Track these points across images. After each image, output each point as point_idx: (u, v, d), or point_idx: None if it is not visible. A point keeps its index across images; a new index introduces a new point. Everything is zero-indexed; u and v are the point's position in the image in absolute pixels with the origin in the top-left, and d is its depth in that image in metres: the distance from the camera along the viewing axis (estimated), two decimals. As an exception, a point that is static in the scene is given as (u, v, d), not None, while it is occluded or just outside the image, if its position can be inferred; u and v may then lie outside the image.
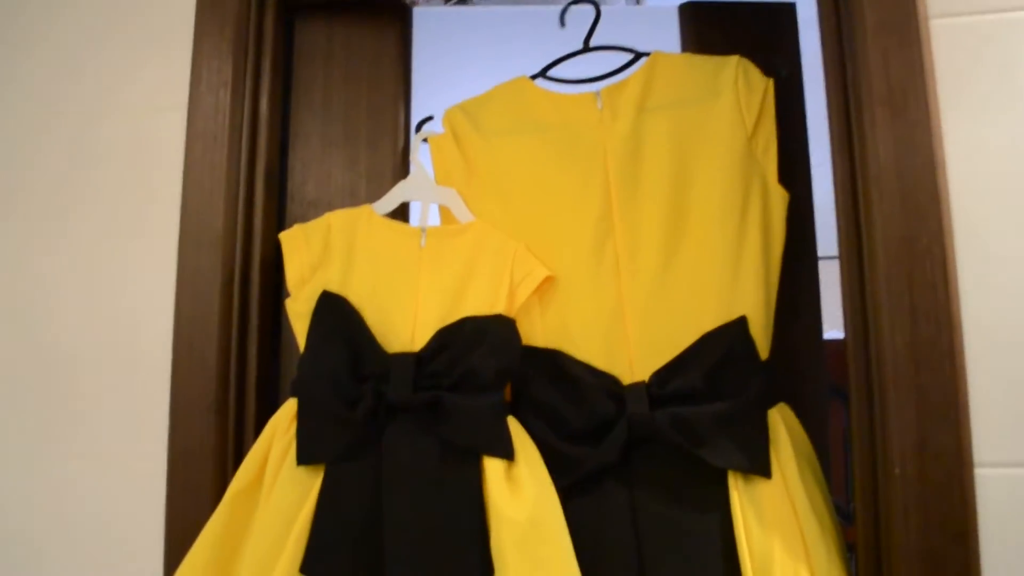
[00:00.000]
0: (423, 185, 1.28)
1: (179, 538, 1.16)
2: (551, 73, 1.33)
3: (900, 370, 0.99)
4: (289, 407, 1.15)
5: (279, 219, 1.35)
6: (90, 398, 1.26)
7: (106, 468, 1.24)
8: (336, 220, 1.24)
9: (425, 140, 1.30)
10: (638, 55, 1.29)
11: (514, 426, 1.12)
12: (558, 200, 1.22)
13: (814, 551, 1.02)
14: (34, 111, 1.35)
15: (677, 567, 1.06)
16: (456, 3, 2.36)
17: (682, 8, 1.43)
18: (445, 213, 1.28)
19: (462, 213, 1.25)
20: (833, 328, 1.27)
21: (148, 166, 1.29)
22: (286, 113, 1.40)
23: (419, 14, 1.48)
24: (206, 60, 1.29)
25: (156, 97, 1.31)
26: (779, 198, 1.17)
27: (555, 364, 1.16)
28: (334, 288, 1.19)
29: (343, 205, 1.31)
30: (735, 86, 1.20)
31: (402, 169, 1.37)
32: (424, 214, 1.25)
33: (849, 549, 1.07)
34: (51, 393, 1.27)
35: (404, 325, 1.18)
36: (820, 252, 1.29)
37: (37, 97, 1.35)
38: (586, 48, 1.33)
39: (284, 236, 1.23)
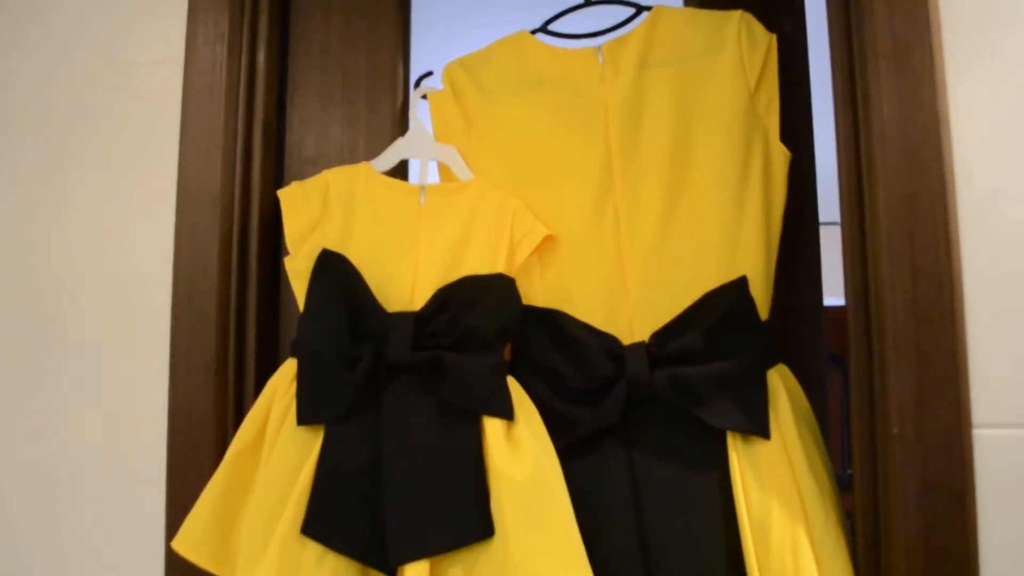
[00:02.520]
0: (422, 142, 1.26)
1: (180, 499, 1.17)
2: (552, 27, 1.31)
3: (900, 329, 0.99)
4: (288, 367, 1.15)
5: (277, 176, 1.34)
6: (90, 357, 1.26)
7: (106, 428, 1.25)
8: (334, 178, 1.23)
9: (424, 96, 1.28)
10: (640, 9, 1.27)
11: (514, 386, 1.12)
12: (558, 158, 1.21)
13: (812, 511, 1.02)
14: (32, 69, 1.34)
15: (676, 527, 1.06)
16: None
17: (685, -39, 1.40)
18: (444, 171, 1.26)
19: (462, 171, 1.24)
20: (832, 295, 1.27)
21: (145, 121, 1.29)
22: (284, 68, 1.38)
23: (418, -32, 1.45)
24: (202, 13, 1.28)
25: (152, 51, 1.30)
26: (781, 156, 1.16)
27: (555, 324, 1.15)
28: (333, 246, 1.18)
29: (341, 162, 1.30)
30: (738, 41, 1.17)
31: (401, 126, 1.35)
32: (423, 172, 1.24)
33: (847, 516, 1.07)
34: (50, 351, 1.27)
35: (403, 284, 1.17)
36: (822, 218, 1.28)
37: (35, 55, 1.34)
38: (587, 2, 1.31)
39: (282, 193, 1.22)
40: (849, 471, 1.07)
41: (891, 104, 1.02)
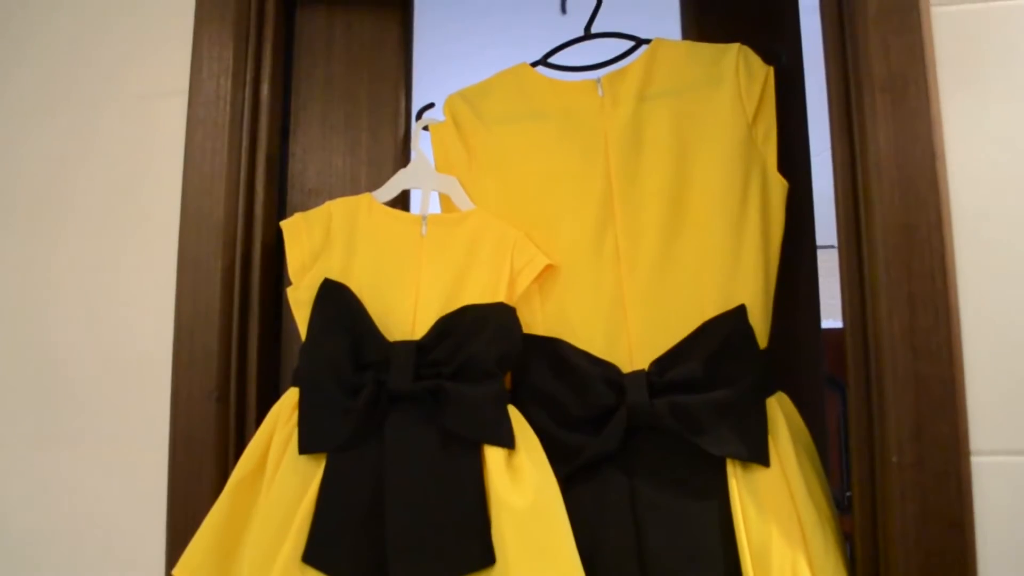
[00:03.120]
0: (424, 173, 1.27)
1: (181, 528, 1.17)
2: (552, 60, 1.33)
3: (898, 358, 1.00)
4: (290, 396, 1.16)
5: (279, 207, 1.35)
6: (92, 387, 1.26)
7: (107, 458, 1.24)
8: (337, 208, 1.24)
9: (426, 128, 1.30)
10: (639, 42, 1.29)
11: (514, 415, 1.13)
12: (559, 188, 1.22)
13: (812, 539, 1.02)
14: (36, 100, 1.35)
15: (676, 555, 1.06)
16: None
17: (683, -6, 1.43)
18: (445, 201, 1.28)
19: (463, 201, 1.25)
20: (830, 318, 1.28)
21: (149, 153, 1.30)
22: (287, 100, 1.40)
23: (421, 0, 1.47)
24: (207, 46, 1.29)
25: (157, 84, 1.31)
26: (779, 187, 1.17)
27: (555, 352, 1.16)
28: (335, 276, 1.19)
29: (344, 193, 1.31)
30: (736, 74, 1.19)
31: (403, 157, 1.37)
32: (425, 202, 1.25)
33: (846, 538, 1.07)
34: (52, 383, 1.28)
35: (405, 313, 1.18)
36: (818, 241, 1.29)
37: (39, 86, 1.35)
38: (587, 35, 1.33)
39: (285, 224, 1.23)
40: (848, 493, 1.08)
41: (887, 136, 1.04)
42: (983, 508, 0.96)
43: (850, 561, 1.05)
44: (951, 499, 0.96)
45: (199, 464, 1.20)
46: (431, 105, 1.33)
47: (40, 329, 1.29)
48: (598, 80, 1.26)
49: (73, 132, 1.33)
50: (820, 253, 1.30)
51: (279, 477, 1.11)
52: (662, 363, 1.13)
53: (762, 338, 1.13)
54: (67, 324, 1.28)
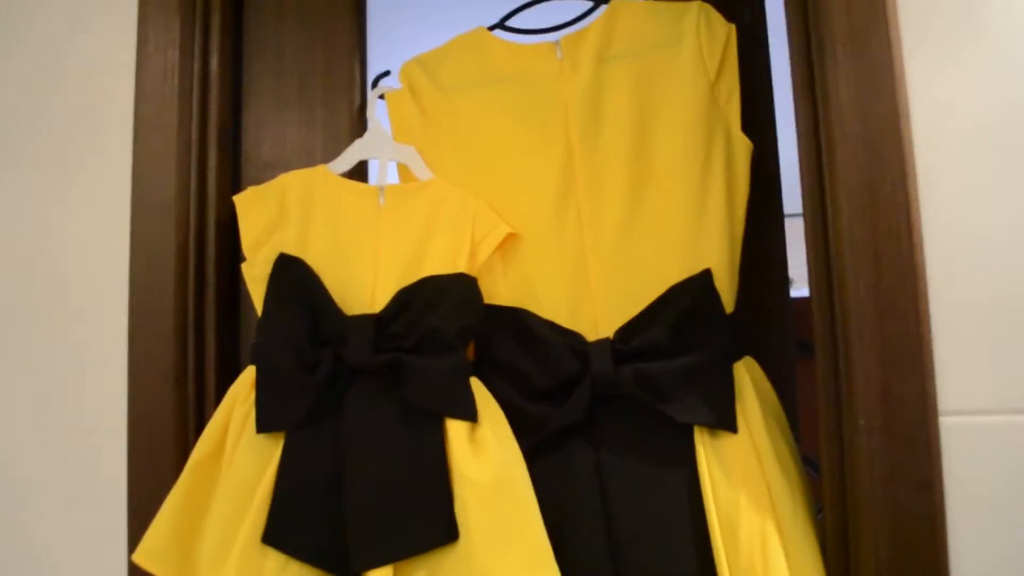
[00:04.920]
0: (381, 143, 1.24)
1: (142, 510, 1.15)
2: (510, 23, 1.30)
3: (864, 318, 0.98)
4: (248, 374, 1.13)
5: (234, 182, 1.32)
6: (47, 366, 1.23)
7: (64, 438, 1.22)
8: (291, 181, 1.21)
9: (382, 96, 1.27)
10: (598, 2, 1.26)
11: (477, 387, 1.10)
12: (518, 155, 1.19)
13: (780, 505, 1.01)
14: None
15: (644, 524, 1.05)
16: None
17: (644, -47, 1.39)
18: (404, 171, 1.25)
19: (421, 171, 1.22)
20: (801, 286, 1.25)
21: (97, 130, 1.26)
22: (238, 72, 1.36)
23: (375, -36, 1.44)
24: (153, 18, 1.26)
25: (102, 59, 1.27)
26: (743, 147, 1.14)
27: (518, 322, 1.14)
28: (291, 250, 1.16)
29: (299, 166, 1.28)
30: (697, 32, 1.16)
31: (359, 127, 1.33)
32: (382, 173, 1.22)
33: (821, 508, 1.06)
34: (7, 361, 1.25)
35: (364, 286, 1.16)
36: (787, 211, 1.27)
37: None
38: (545, -4, 1.29)
39: (238, 199, 1.20)
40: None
41: (848, 91, 1.01)
42: (952, 469, 0.95)
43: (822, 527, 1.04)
44: (919, 461, 0.94)
45: (158, 445, 1.18)
46: (387, 73, 1.29)
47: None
48: (557, 42, 1.22)
49: (19, 112, 1.29)
50: (788, 222, 1.28)
51: (238, 457, 1.09)
52: (626, 331, 1.11)
53: (728, 303, 1.10)
54: (18, 304, 1.25)
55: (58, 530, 1.21)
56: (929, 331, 0.97)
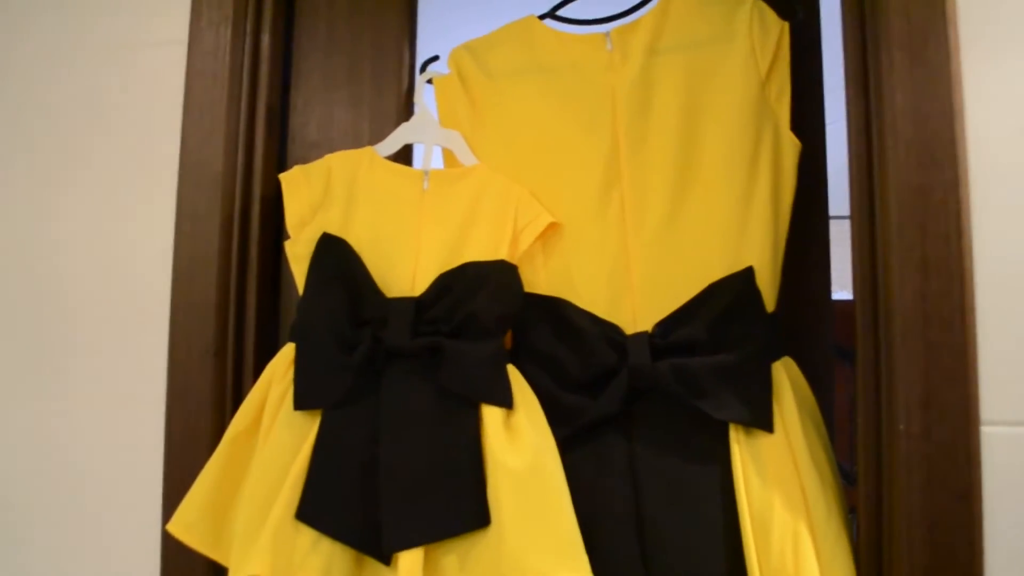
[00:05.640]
0: (427, 127, 1.24)
1: (177, 482, 1.16)
2: (560, 13, 1.29)
3: (908, 323, 0.97)
4: (287, 352, 1.14)
5: (279, 160, 1.33)
6: (89, 339, 1.25)
7: (104, 411, 1.24)
8: (337, 162, 1.21)
9: (430, 81, 1.27)
10: (651, -5, 1.25)
11: (514, 374, 1.10)
12: (564, 145, 1.19)
13: (814, 507, 1.00)
14: (36, 53, 1.33)
15: (676, 520, 1.04)
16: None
17: (699, -53, 1.38)
18: (448, 156, 1.25)
19: (466, 156, 1.22)
20: (841, 289, 1.24)
21: (148, 105, 1.28)
22: (288, 51, 1.36)
23: (427, -51, 1.43)
24: (207, -6, 1.26)
25: (156, 32, 1.29)
26: (791, 147, 1.13)
27: (557, 312, 1.14)
28: (334, 231, 1.17)
29: (345, 147, 1.28)
30: (749, 28, 1.15)
31: (406, 110, 1.33)
32: (427, 157, 1.22)
33: (851, 511, 1.05)
34: (50, 333, 1.27)
35: (405, 269, 1.16)
36: (832, 213, 1.25)
37: (39, 39, 1.34)
38: (597, -13, 1.29)
39: (284, 177, 1.21)
40: (855, 466, 1.05)
41: (904, 94, 1.00)
42: (992, 480, 0.94)
43: (854, 532, 1.03)
44: (959, 469, 0.93)
45: (196, 419, 1.19)
46: (436, 58, 1.29)
47: (40, 281, 1.28)
48: (607, 34, 1.22)
49: (74, 85, 1.32)
50: (833, 224, 1.26)
51: (274, 433, 1.09)
52: (666, 325, 1.10)
53: (770, 301, 1.10)
54: (67, 276, 1.27)
55: (95, 499, 1.23)
56: (975, 339, 0.95)
